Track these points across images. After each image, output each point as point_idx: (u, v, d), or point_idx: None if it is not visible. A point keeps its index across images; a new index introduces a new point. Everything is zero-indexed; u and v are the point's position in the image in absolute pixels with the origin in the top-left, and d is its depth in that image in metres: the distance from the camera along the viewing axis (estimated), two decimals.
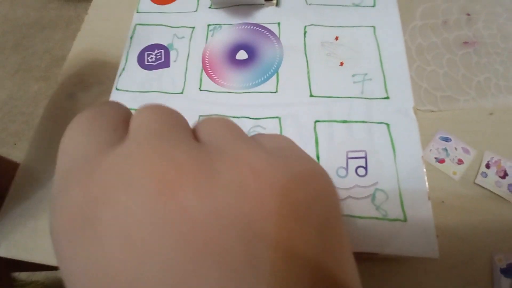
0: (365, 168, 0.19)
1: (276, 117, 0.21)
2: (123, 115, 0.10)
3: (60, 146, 0.09)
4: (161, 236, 0.06)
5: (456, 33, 0.29)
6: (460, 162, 0.24)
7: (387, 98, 0.21)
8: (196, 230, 0.06)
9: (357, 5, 0.25)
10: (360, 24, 0.24)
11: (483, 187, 0.23)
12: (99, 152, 0.08)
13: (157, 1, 0.27)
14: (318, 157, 0.20)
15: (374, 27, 0.24)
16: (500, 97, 0.26)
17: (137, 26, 0.26)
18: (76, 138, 0.09)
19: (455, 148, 0.24)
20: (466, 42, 0.28)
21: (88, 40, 0.33)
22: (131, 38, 0.26)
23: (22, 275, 0.83)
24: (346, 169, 0.19)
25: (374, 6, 0.25)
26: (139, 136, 0.08)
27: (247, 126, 0.21)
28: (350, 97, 0.22)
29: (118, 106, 0.10)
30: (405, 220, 0.18)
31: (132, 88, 0.24)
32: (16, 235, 0.26)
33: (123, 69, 0.25)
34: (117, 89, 0.24)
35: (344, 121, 0.21)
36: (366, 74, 0.22)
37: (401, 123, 0.21)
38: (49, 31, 1.25)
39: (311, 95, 0.22)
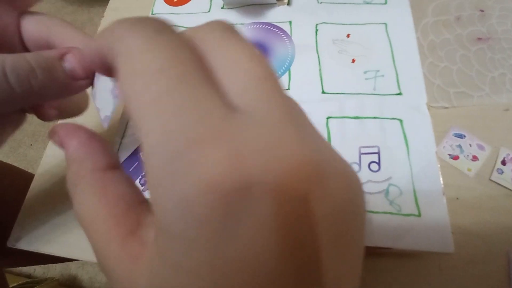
0: (378, 163, 0.19)
1: None
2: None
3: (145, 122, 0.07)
4: None
5: (470, 29, 0.29)
6: (475, 158, 0.24)
7: (399, 94, 0.21)
8: None
9: (368, 3, 0.25)
10: (371, 21, 0.24)
11: (499, 184, 0.23)
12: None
13: (171, 2, 0.28)
14: None
15: (386, 24, 0.24)
16: None
17: None
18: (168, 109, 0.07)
19: (470, 145, 0.24)
20: (480, 38, 0.28)
21: None
22: None
23: (38, 273, 0.85)
24: (359, 164, 0.19)
25: (385, 3, 0.25)
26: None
27: None
28: (362, 94, 0.22)
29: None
30: (419, 215, 0.18)
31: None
32: (36, 229, 0.27)
33: None
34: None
35: (357, 117, 0.21)
36: (378, 70, 0.22)
37: (414, 119, 0.21)
38: None
39: (323, 92, 0.22)
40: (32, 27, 0.15)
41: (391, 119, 0.21)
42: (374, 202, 0.18)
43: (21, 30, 0.15)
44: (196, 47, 0.08)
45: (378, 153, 0.20)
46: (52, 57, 0.14)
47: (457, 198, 0.24)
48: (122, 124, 0.24)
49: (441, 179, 0.19)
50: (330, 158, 0.08)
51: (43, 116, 0.16)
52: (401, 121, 0.21)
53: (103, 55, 0.09)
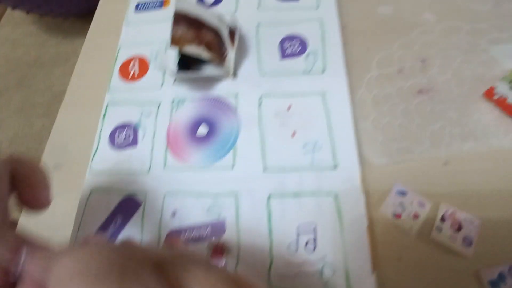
0: (314, 242, 0.21)
1: (233, 193, 0.23)
2: None
3: None
4: None
5: (411, 81, 0.30)
6: (416, 216, 0.25)
7: (335, 167, 0.23)
8: None
9: (307, 73, 0.26)
10: (310, 91, 0.26)
11: (439, 242, 0.24)
12: None
13: (126, 77, 0.30)
14: (270, 233, 0.21)
15: (323, 94, 0.25)
16: (454, 145, 0.27)
17: (109, 106, 0.29)
18: None
19: (411, 202, 0.25)
20: (421, 91, 0.30)
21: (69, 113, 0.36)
22: (103, 118, 0.28)
23: None
24: (297, 244, 0.21)
25: (323, 73, 0.26)
26: None
27: (206, 204, 0.23)
28: (301, 168, 0.23)
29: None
30: None
31: (104, 169, 0.26)
32: None
33: (96, 150, 0.27)
34: (90, 171, 0.26)
35: (295, 194, 0.22)
36: (316, 143, 0.24)
37: (348, 194, 0.22)
38: (48, 68, 1.31)
39: (265, 169, 0.23)
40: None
41: (327, 194, 0.22)
42: (310, 284, 0.20)
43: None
44: None
45: (315, 231, 0.21)
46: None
47: (400, 259, 0.25)
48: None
49: (370, 255, 0.20)
50: None
51: None
52: (336, 196, 0.22)
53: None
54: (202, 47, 0.25)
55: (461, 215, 0.25)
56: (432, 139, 0.28)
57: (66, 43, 1.30)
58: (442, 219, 0.25)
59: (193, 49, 0.24)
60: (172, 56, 0.28)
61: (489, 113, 0.28)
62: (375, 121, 0.29)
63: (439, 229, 0.25)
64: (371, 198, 0.27)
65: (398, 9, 0.34)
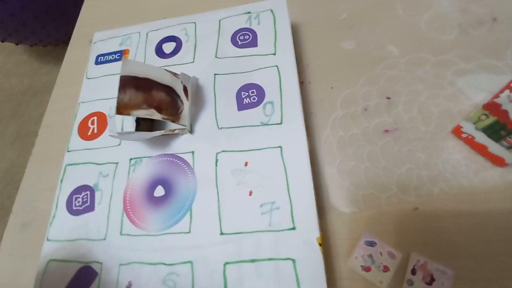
0: None
1: (189, 262, 0.22)
2: None
3: None
4: None
5: (377, 120, 0.29)
6: (385, 269, 0.24)
7: (293, 229, 0.22)
8: None
9: (265, 124, 0.26)
10: (268, 145, 0.25)
11: None
12: None
13: (85, 136, 0.29)
14: None
15: (281, 147, 0.25)
16: (423, 189, 0.26)
17: (67, 167, 0.28)
18: None
19: (380, 253, 0.24)
20: (386, 130, 0.29)
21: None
22: (61, 181, 0.28)
23: None
24: None
25: (281, 123, 0.26)
26: None
27: (162, 274, 0.22)
28: (258, 231, 0.22)
29: None
30: None
31: (62, 237, 0.25)
32: None
33: (54, 216, 0.26)
34: (48, 239, 0.25)
35: (252, 260, 0.21)
36: (274, 202, 0.23)
37: (307, 257, 0.21)
38: (41, 95, 1.32)
39: (222, 233, 0.23)
40: None
41: (284, 259, 0.21)
42: None
43: None
44: None
45: None
46: None
47: None
48: None
49: None
50: None
51: None
52: (294, 261, 0.21)
53: None
54: (152, 109, 0.24)
55: (433, 266, 0.24)
56: (400, 184, 0.27)
57: (58, 69, 1.31)
58: (413, 271, 0.24)
59: (143, 113, 0.24)
60: (119, 119, 0.28)
61: (458, 152, 0.27)
62: (341, 166, 0.28)
63: (410, 283, 0.23)
64: (340, 249, 0.26)
65: (361, 43, 0.34)
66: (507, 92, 0.25)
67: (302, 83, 0.33)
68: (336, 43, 0.34)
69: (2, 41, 1.11)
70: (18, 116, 1.32)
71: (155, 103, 0.25)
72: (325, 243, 0.25)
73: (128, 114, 0.23)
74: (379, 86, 0.31)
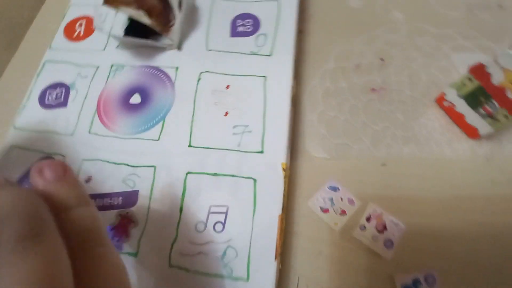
0: (223, 224, 0.20)
1: (152, 166, 0.22)
2: None
3: None
4: None
5: (366, 78, 0.29)
6: (343, 213, 0.24)
7: (261, 152, 0.22)
8: None
9: (254, 53, 0.25)
10: (253, 73, 0.25)
11: (360, 240, 0.24)
12: None
13: (70, 37, 0.28)
14: (181, 210, 0.21)
15: (265, 77, 0.24)
16: (394, 147, 0.26)
17: (46, 63, 0.27)
18: None
19: (341, 198, 0.25)
20: (373, 89, 0.29)
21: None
22: (38, 75, 0.27)
23: None
24: (206, 224, 0.20)
25: (270, 55, 0.25)
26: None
27: (124, 173, 0.22)
28: (226, 149, 0.22)
29: None
30: (247, 279, 0.19)
31: (29, 128, 0.25)
32: None
33: (24, 106, 0.26)
34: (15, 127, 0.25)
35: (215, 174, 0.21)
36: (247, 126, 0.23)
37: (268, 179, 0.21)
38: None
39: (190, 145, 0.23)
40: None
41: (246, 178, 0.21)
42: (209, 264, 0.19)
43: None
44: None
45: (226, 213, 0.20)
46: None
47: (320, 253, 0.24)
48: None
49: (275, 243, 0.19)
50: None
51: None
52: (255, 180, 0.21)
53: None
54: (142, 11, 0.23)
55: (388, 217, 0.25)
56: (374, 139, 0.27)
57: None
58: (368, 218, 0.25)
59: (130, 12, 0.23)
60: (120, 20, 0.27)
61: (437, 120, 0.27)
62: (321, 114, 0.28)
63: (363, 228, 0.24)
64: (303, 190, 0.26)
65: (369, 2, 0.33)
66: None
67: (301, 31, 0.32)
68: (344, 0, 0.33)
69: None
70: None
71: (145, 7, 0.24)
72: (291, 182, 0.25)
73: (116, 7, 0.22)
74: (376, 47, 0.31)
